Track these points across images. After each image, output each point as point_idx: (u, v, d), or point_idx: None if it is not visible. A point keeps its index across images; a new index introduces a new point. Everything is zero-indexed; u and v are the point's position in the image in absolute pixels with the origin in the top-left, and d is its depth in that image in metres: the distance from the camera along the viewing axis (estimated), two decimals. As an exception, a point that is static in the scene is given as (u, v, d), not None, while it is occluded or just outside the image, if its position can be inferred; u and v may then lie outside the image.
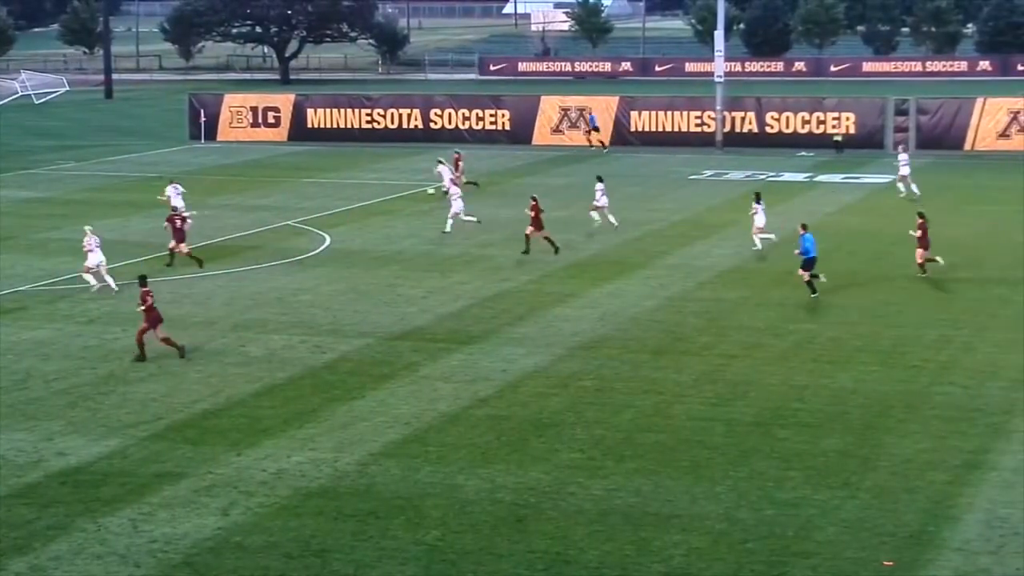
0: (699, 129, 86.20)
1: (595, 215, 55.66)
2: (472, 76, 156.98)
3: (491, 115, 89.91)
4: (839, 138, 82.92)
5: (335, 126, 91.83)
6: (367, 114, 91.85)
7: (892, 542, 24.67)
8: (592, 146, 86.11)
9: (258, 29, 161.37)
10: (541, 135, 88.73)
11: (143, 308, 36.95)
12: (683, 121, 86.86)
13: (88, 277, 45.78)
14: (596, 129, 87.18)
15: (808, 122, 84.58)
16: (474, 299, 44.10)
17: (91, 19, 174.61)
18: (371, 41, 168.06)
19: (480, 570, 23.57)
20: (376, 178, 70.11)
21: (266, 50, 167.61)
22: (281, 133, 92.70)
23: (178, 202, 55.85)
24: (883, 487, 27.40)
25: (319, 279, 47.11)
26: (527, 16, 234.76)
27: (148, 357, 36.79)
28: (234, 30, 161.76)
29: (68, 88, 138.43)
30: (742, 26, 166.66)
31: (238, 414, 32.24)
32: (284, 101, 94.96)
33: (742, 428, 31.08)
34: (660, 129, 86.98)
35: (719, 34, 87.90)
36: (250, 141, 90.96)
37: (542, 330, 40.09)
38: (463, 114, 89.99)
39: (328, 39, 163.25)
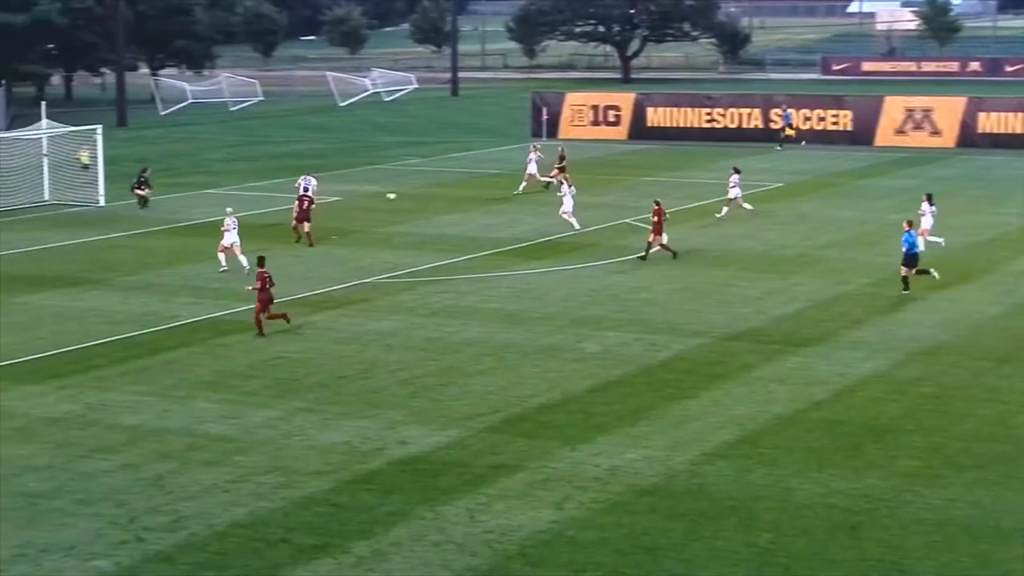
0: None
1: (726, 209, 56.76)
2: (814, 76, 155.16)
3: (832, 115, 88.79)
4: None
5: (675, 125, 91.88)
6: (707, 113, 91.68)
7: None
8: (784, 143, 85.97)
9: (601, 28, 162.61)
10: (884, 136, 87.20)
11: (254, 288, 39.70)
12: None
13: (220, 256, 48.50)
14: (791, 127, 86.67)
15: None
16: (810, 301, 43.63)
17: (440, 18, 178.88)
18: (712, 40, 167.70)
19: (812, 576, 23.40)
20: (714, 177, 69.86)
21: (608, 49, 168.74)
22: (621, 131, 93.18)
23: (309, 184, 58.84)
24: None
25: (655, 277, 47.24)
26: (872, 15, 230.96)
27: (484, 351, 37.55)
28: (577, 29, 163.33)
29: (416, 86, 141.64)
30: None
31: (573, 410, 32.56)
32: (624, 100, 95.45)
33: (1090, 441, 30.07)
34: (1010, 131, 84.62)
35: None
36: (590, 139, 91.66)
37: (880, 334, 39.43)
38: (804, 114, 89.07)
39: (670, 38, 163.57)
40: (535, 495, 27.00)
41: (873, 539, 24.69)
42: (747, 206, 58.73)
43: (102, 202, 64.69)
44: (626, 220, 58.78)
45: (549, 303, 43.61)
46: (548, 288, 45.82)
